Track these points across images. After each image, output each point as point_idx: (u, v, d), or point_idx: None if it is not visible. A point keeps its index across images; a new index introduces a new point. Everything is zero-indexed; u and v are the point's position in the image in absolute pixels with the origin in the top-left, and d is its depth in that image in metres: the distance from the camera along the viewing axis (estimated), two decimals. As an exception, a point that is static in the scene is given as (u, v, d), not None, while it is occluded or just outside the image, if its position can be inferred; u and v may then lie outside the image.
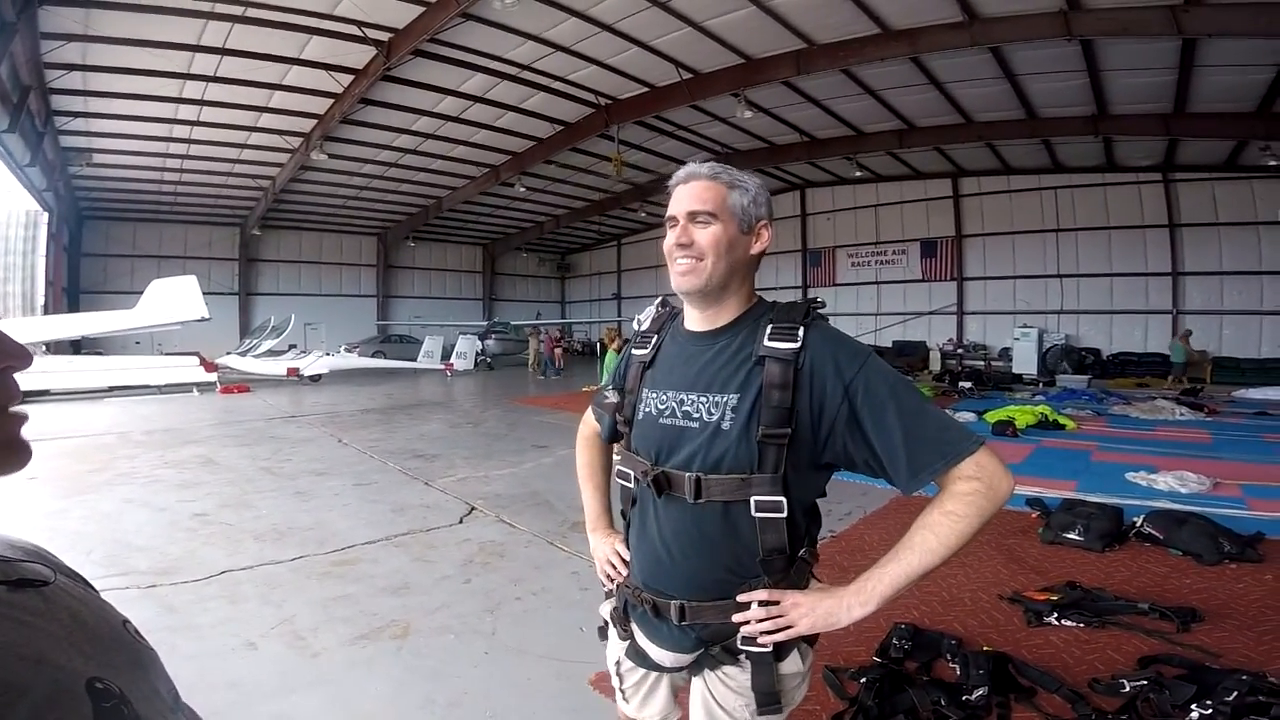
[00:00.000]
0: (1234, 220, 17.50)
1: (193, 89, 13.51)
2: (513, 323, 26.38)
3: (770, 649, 1.16)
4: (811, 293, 25.75)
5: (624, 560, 1.35)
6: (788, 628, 1.13)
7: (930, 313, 22.94)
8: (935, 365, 21.04)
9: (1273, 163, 15.32)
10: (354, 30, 11.48)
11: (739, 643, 1.18)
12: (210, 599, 3.65)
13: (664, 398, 1.24)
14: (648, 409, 1.26)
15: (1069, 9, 10.09)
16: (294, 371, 17.09)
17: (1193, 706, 2.33)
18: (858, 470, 1.17)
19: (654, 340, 1.34)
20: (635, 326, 1.42)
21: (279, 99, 14.32)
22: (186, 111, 14.66)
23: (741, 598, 1.16)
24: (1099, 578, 3.80)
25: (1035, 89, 13.72)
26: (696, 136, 18.42)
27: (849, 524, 5.00)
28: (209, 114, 14.87)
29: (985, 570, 3.96)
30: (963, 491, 1.08)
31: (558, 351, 24.44)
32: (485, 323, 26.24)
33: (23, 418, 0.52)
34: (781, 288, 26.05)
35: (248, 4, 10.56)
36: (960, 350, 21.44)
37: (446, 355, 20.20)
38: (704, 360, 1.22)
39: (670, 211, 1.24)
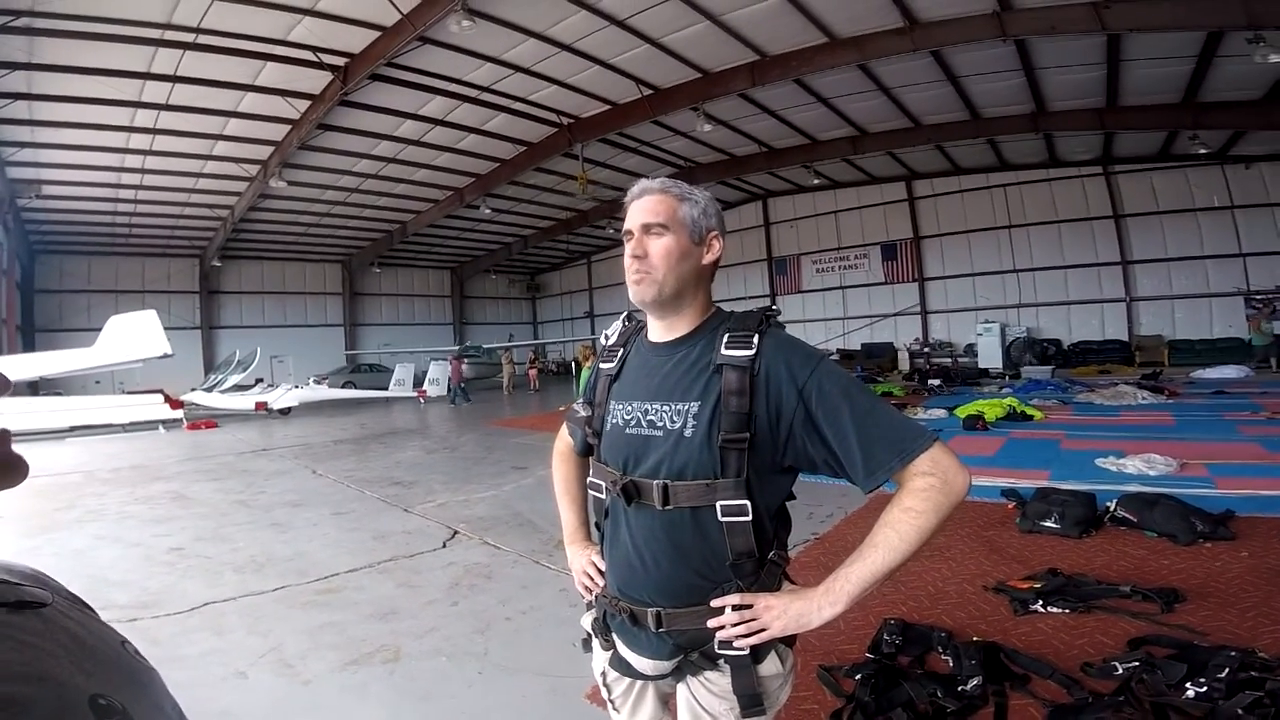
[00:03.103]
0: (1174, 208, 18.29)
1: (144, 117, 13.22)
2: (485, 346, 26.16)
3: (747, 652, 1.18)
4: (779, 300, 26.07)
5: (600, 570, 1.37)
6: (761, 630, 1.15)
7: (895, 314, 23.41)
8: (904, 365, 21.43)
9: (1202, 151, 16.06)
10: (309, 56, 11.38)
11: (716, 647, 1.19)
12: (194, 630, 3.60)
13: (629, 408, 1.27)
14: (615, 420, 1.29)
15: (1001, 10, 10.53)
16: (262, 406, 16.73)
17: (1187, 685, 2.36)
18: (818, 471, 1.19)
19: (620, 354, 1.37)
20: (603, 341, 1.44)
21: (234, 126, 14.10)
22: (139, 140, 14.32)
23: (715, 603, 1.18)
24: (1079, 563, 3.87)
25: (977, 90, 14.21)
26: (659, 151, 18.58)
27: (830, 525, 5.04)
28: (162, 143, 14.55)
29: (968, 562, 4.03)
30: (919, 488, 1.11)
31: (533, 373, 24.26)
32: (457, 347, 25.99)
33: (7, 434, 0.56)
34: (750, 297, 26.35)
35: (199, 31, 10.39)
36: (927, 349, 21.87)
37: (419, 382, 19.94)
38: (665, 370, 1.25)
39: (625, 226, 1.28)
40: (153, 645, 3.35)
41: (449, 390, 19.59)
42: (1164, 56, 11.90)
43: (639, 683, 1.33)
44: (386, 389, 19.90)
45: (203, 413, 16.40)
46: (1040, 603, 3.25)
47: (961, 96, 14.47)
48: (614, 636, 1.33)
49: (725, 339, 1.20)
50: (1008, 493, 5.26)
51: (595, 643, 1.40)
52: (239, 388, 17.15)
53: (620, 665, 1.33)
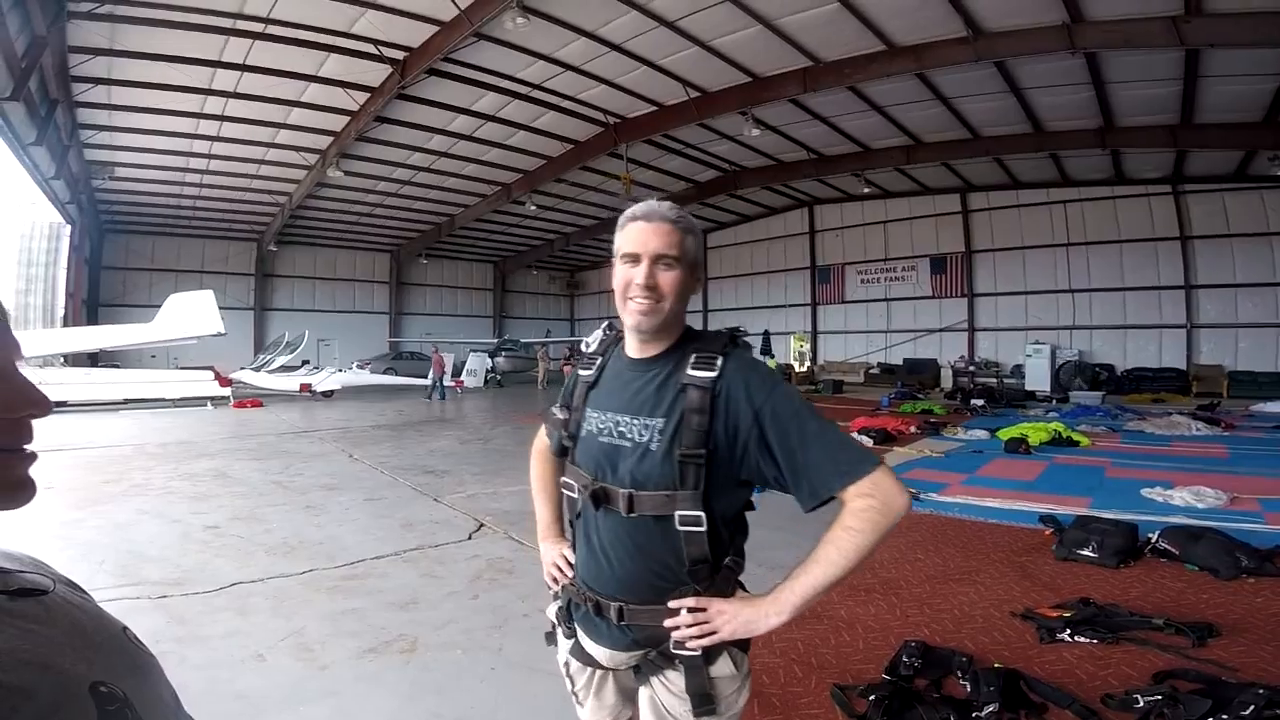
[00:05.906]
0: (1246, 231, 17.36)
1: (213, 104, 13.84)
2: (522, 340, 26.46)
3: (700, 653, 1.25)
4: (820, 310, 25.77)
5: (569, 563, 1.44)
6: (712, 633, 1.21)
7: (941, 330, 22.81)
8: (947, 383, 20.85)
9: (1282, 173, 15.20)
10: (370, 49, 11.75)
11: (671, 647, 1.26)
12: (220, 610, 3.65)
13: (604, 418, 1.34)
14: (590, 427, 1.36)
15: (1071, 22, 10.15)
16: (307, 387, 17.21)
17: (1208, 720, 2.28)
18: (770, 487, 1.26)
19: (599, 362, 1.44)
20: (584, 348, 1.50)
21: (297, 115, 14.62)
22: (207, 127, 15.00)
23: (673, 604, 1.24)
24: (1113, 594, 3.73)
25: (1041, 102, 13.77)
26: (704, 154, 18.55)
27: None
28: (228, 129, 15.20)
29: (998, 587, 3.91)
30: (859, 508, 1.17)
31: (568, 369, 24.37)
32: (495, 340, 26.36)
33: (34, 456, 0.55)
34: (790, 305, 26.10)
35: (268, 21, 10.82)
36: (972, 367, 21.26)
37: (457, 372, 20.27)
38: (638, 385, 1.32)
39: (630, 248, 1.28)
40: (178, 624, 3.40)
41: (490, 379, 19.27)
42: (1246, 74, 11.35)
43: (599, 674, 1.40)
44: (426, 377, 20.31)
45: (249, 391, 16.89)
46: (1068, 631, 3.15)
47: (1024, 109, 14.06)
48: (576, 626, 1.40)
49: (692, 359, 1.27)
50: (1046, 519, 5.09)
51: (559, 632, 1.46)
52: (285, 369, 17.67)
53: (580, 654, 1.40)
